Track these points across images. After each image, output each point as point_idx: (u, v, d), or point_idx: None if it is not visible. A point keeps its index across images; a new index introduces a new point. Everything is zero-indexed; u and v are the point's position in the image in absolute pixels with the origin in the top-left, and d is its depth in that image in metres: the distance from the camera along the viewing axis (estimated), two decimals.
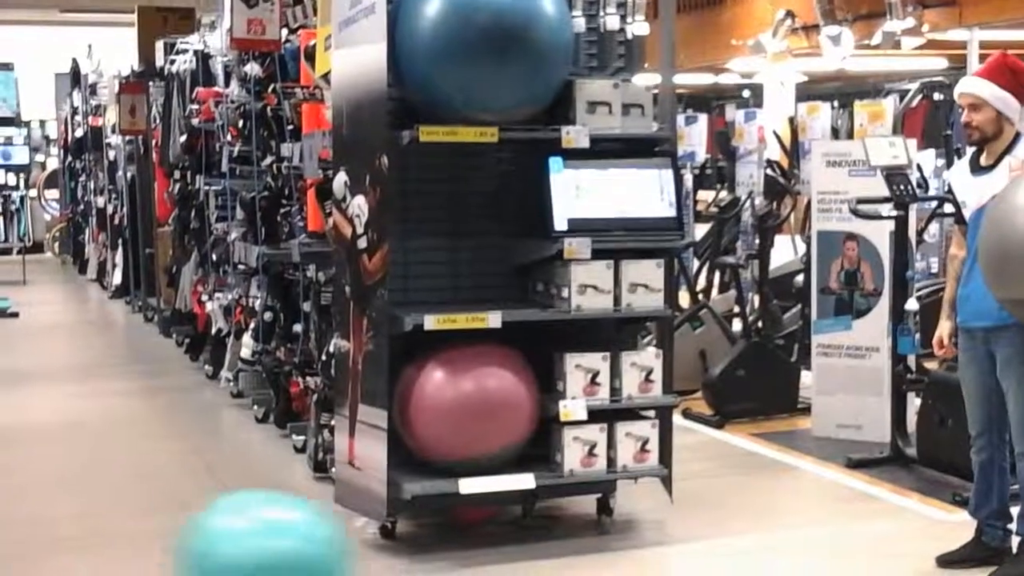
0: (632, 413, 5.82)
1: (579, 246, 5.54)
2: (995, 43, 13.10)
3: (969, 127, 5.15)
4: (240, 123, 8.59)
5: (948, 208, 7.74)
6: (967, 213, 5.23)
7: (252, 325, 8.40)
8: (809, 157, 9.25)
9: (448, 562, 5.52)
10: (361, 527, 5.81)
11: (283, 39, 8.02)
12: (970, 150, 5.32)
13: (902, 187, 7.00)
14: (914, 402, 7.11)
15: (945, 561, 5.29)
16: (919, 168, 8.62)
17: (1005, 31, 12.45)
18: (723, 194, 10.98)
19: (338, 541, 2.80)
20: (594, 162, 5.70)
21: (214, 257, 9.73)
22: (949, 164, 8.69)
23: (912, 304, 6.95)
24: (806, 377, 8.39)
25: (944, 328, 5.38)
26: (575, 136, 5.62)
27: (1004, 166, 5.08)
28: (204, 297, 10.06)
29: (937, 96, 17.12)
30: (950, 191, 5.48)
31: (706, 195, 11.73)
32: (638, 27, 6.02)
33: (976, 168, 5.22)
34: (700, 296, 9.95)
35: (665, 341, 6.07)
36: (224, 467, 7.36)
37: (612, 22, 5.92)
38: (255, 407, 8.44)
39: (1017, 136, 5.15)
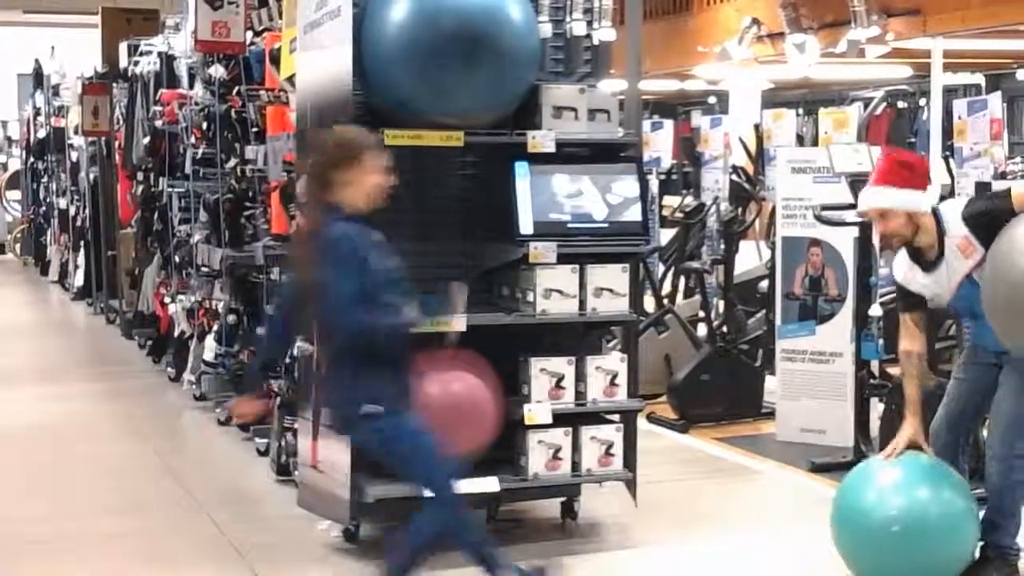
0: (597, 417, 5.82)
1: (544, 250, 5.54)
2: (958, 52, 13.22)
3: (886, 237, 5.04)
4: (204, 125, 8.56)
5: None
6: (940, 302, 5.13)
7: (215, 327, 8.37)
8: (774, 163, 9.30)
9: None
10: (324, 530, 5.80)
11: (248, 41, 8.01)
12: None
13: None
14: (877, 407, 7.14)
15: None
16: None
17: (968, 40, 12.55)
18: (689, 200, 11.03)
19: None
20: (560, 167, 5.70)
21: (177, 259, 9.68)
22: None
23: (875, 310, 6.98)
24: (770, 382, 8.42)
25: (905, 433, 5.13)
26: (541, 141, 5.62)
27: (950, 252, 4.97)
28: (167, 299, 10.02)
29: (901, 104, 17.30)
30: (898, 285, 5.26)
31: (672, 200, 11.77)
32: (604, 33, 6.03)
33: (923, 266, 5.08)
34: (665, 301, 9.96)
35: (630, 346, 6.07)
36: (186, 470, 7.31)
37: (578, 27, 5.93)
38: (218, 410, 8.40)
39: (936, 217, 4.99)
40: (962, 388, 5.27)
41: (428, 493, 4.56)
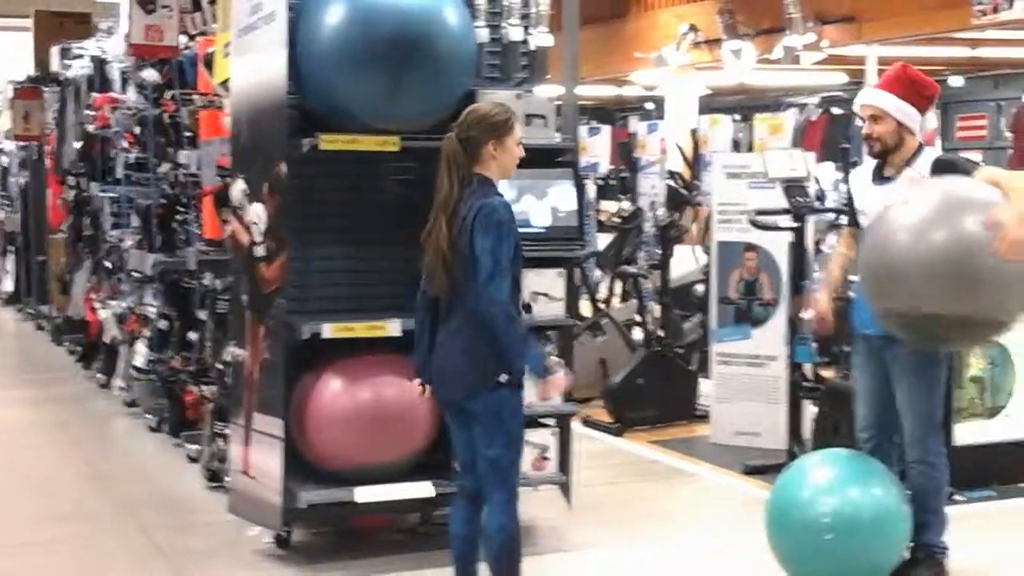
0: (532, 421, 5.80)
1: None
2: (893, 58, 13.33)
3: (870, 139, 5.16)
4: (137, 130, 8.51)
5: (845, 220, 7.88)
6: (865, 221, 5.26)
7: (146, 333, 8.30)
8: (710, 169, 9.36)
9: (344, 571, 5.48)
10: (256, 536, 5.75)
11: (182, 45, 7.94)
12: (870, 160, 5.36)
13: (800, 199, 7.09)
14: (810, 409, 7.20)
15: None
16: (817, 180, 8.75)
17: (903, 47, 12.69)
18: (625, 204, 11.07)
19: None
20: None
21: (108, 264, 9.61)
22: (847, 177, 8.83)
23: (809, 314, 7.02)
24: (705, 385, 8.47)
25: (822, 299, 5.47)
26: None
27: (905, 178, 5.13)
28: (97, 305, 9.91)
29: (836, 110, 17.45)
30: (849, 196, 5.51)
31: (609, 205, 11.81)
32: (541, 38, 6.04)
33: (878, 178, 5.25)
34: (602, 305, 9.99)
35: (566, 350, 6.08)
36: (117, 476, 7.23)
37: (515, 33, 5.93)
38: (148, 416, 8.34)
39: (919, 149, 5.18)
40: (870, 384, 5.30)
41: (496, 482, 4.48)
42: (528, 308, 5.32)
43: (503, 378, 4.39)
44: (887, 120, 5.10)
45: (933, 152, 5.29)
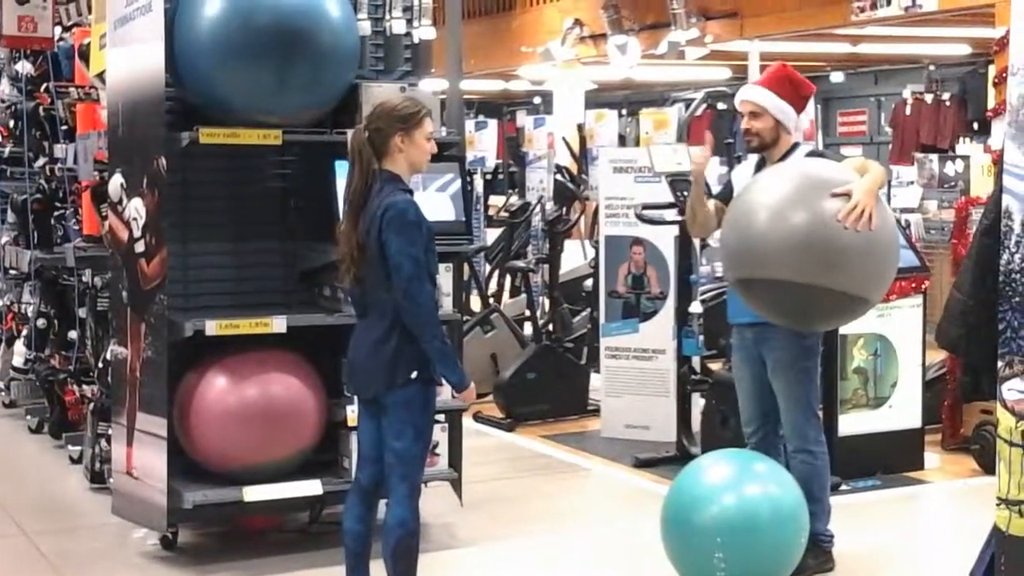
0: None
1: None
2: (775, 54, 13.55)
3: (749, 134, 5.27)
4: (11, 123, 8.35)
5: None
6: None
7: (24, 332, 8.15)
8: (597, 163, 9.40)
9: (233, 572, 5.40)
10: (141, 538, 5.65)
11: (56, 37, 7.81)
12: (753, 156, 5.44)
13: (685, 193, 7.11)
14: (699, 402, 7.25)
15: None
16: None
17: (784, 43, 12.89)
18: (514, 199, 11.09)
19: None
20: None
21: None
22: (731, 171, 8.92)
23: (696, 307, 7.08)
24: (595, 379, 8.49)
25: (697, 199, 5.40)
26: None
27: None
28: None
29: (720, 105, 17.67)
30: (729, 189, 5.55)
31: (497, 200, 11.82)
32: (424, 31, 6.00)
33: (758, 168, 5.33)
34: (491, 300, 9.98)
35: (455, 345, 6.04)
36: None
37: (398, 26, 5.89)
38: (28, 417, 8.17)
39: (795, 146, 5.29)
40: (750, 378, 5.37)
41: (400, 475, 4.47)
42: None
43: (413, 375, 4.40)
44: (766, 116, 5.21)
45: (807, 147, 5.43)
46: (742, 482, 4.96)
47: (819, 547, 5.27)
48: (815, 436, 5.28)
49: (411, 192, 4.50)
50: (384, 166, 4.47)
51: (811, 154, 5.28)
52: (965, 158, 12.50)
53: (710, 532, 4.81)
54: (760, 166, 5.34)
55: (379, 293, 4.43)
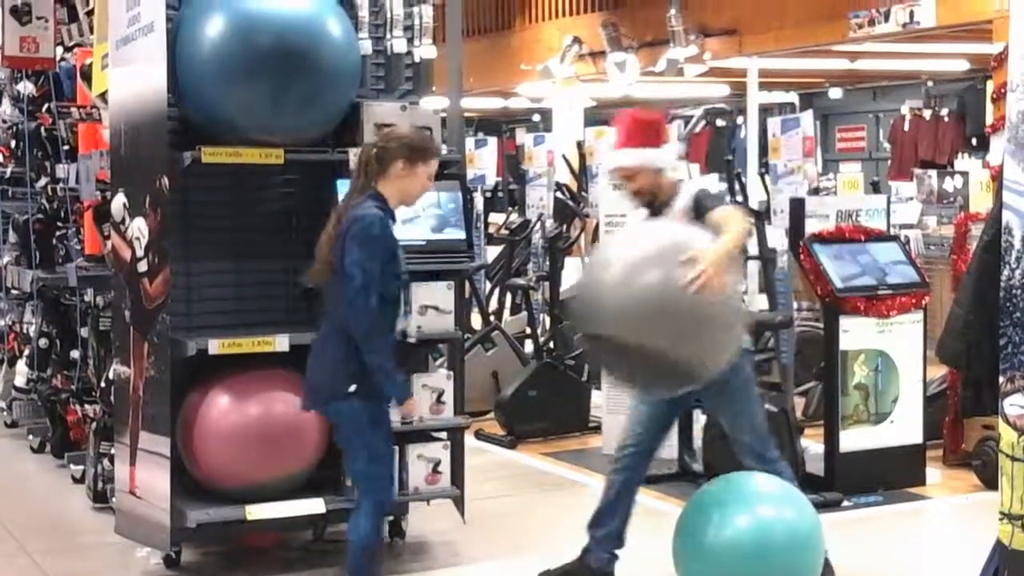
0: (424, 435, 5.78)
1: None
2: (773, 71, 13.61)
3: (637, 195, 5.18)
4: (13, 143, 8.38)
5: None
6: None
7: (27, 352, 8.15)
8: (597, 180, 9.40)
9: None
10: (144, 557, 5.65)
11: (58, 57, 7.83)
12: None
13: None
14: (700, 419, 7.25)
15: None
16: None
17: (782, 59, 12.92)
18: (514, 216, 11.07)
19: None
20: None
21: None
22: (731, 188, 8.92)
23: None
24: (596, 396, 8.49)
25: None
26: None
27: (672, 216, 5.11)
28: None
29: (719, 122, 17.71)
30: None
31: (497, 217, 11.81)
32: (425, 50, 6.02)
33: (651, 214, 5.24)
34: (492, 318, 9.98)
35: (456, 363, 6.05)
36: None
37: (399, 45, 5.90)
38: (30, 437, 8.15)
39: (677, 186, 5.19)
40: (653, 409, 5.32)
41: (364, 492, 4.58)
42: (404, 335, 5.29)
43: (353, 388, 4.46)
44: (643, 174, 5.13)
45: (691, 186, 5.29)
46: (756, 505, 4.91)
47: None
48: (771, 452, 5.29)
49: (387, 212, 4.56)
50: (378, 186, 4.56)
51: (696, 194, 5.12)
52: (964, 174, 12.53)
53: (725, 556, 4.77)
54: (652, 213, 5.23)
55: (335, 304, 4.54)
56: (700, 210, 5.06)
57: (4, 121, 8.56)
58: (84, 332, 7.18)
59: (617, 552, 5.40)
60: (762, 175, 9.35)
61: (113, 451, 6.02)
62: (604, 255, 4.86)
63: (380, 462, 4.58)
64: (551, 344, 8.78)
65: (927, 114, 16.38)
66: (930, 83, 16.54)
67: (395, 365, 4.56)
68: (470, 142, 11.65)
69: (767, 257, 7.41)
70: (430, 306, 5.68)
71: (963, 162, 14.84)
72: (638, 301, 4.53)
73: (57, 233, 7.61)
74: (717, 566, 4.82)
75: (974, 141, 15.72)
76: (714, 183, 12.03)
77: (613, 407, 7.94)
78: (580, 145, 11.18)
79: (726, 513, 4.87)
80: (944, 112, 16.27)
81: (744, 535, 4.79)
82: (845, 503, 6.56)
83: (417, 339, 5.73)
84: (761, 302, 8.22)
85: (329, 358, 4.55)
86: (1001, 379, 3.73)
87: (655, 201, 5.18)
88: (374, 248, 4.43)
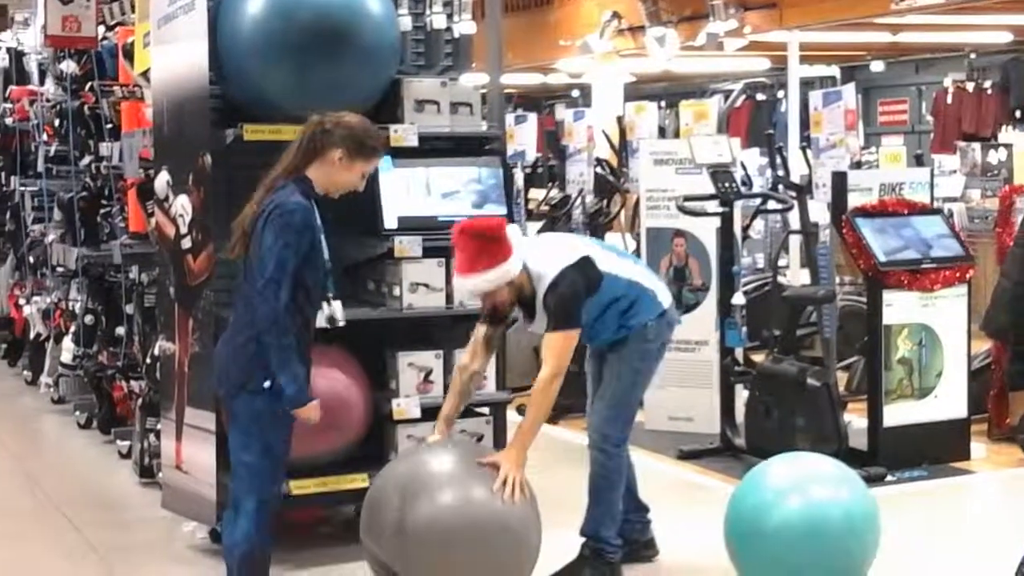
0: (466, 410, 5.78)
1: (410, 244, 5.50)
2: (814, 44, 13.49)
3: (498, 308, 4.92)
4: (56, 122, 8.43)
5: (772, 204, 7.94)
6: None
7: (72, 329, 8.20)
8: (637, 156, 9.37)
9: (280, 565, 5.38)
10: (190, 532, 5.69)
11: (100, 36, 7.87)
12: None
13: (727, 184, 7.13)
14: (742, 394, 7.24)
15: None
16: (743, 166, 8.81)
17: (823, 32, 12.82)
18: (554, 192, 11.06)
19: None
20: (423, 160, 5.67)
21: (31, 260, 9.48)
22: (772, 162, 8.87)
23: (739, 298, 7.08)
24: None
25: (440, 428, 4.99)
26: (403, 135, 5.58)
27: (539, 311, 4.94)
28: (22, 301, 9.78)
29: (760, 96, 17.59)
30: None
31: (537, 193, 11.80)
32: (465, 26, 6.01)
33: (528, 312, 5.02)
34: None
35: (501, 339, 6.05)
36: (47, 475, 7.13)
37: (438, 21, 5.90)
38: (77, 413, 8.23)
39: (527, 271, 4.85)
40: (595, 375, 5.34)
41: (247, 488, 4.34)
42: (332, 321, 4.80)
43: (267, 383, 4.23)
44: (499, 290, 4.81)
45: (546, 280, 4.88)
46: (810, 487, 4.73)
47: (601, 557, 5.18)
48: (617, 437, 5.19)
49: (311, 200, 4.32)
50: (308, 168, 4.34)
51: (550, 287, 4.83)
52: (1008, 146, 12.42)
53: (778, 539, 4.62)
54: (523, 307, 5.00)
55: (248, 284, 4.31)
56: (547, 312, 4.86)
57: (48, 100, 8.61)
58: (129, 309, 7.23)
59: (648, 516, 5.42)
60: (804, 149, 9.28)
61: (159, 426, 6.08)
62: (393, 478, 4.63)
63: (273, 458, 4.33)
64: None
65: (970, 87, 16.22)
66: (973, 55, 16.36)
67: (301, 365, 4.27)
68: (510, 119, 11.64)
69: (809, 231, 7.38)
70: None
71: (1007, 134, 14.69)
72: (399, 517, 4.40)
73: (101, 211, 7.65)
74: (771, 550, 4.67)
75: (1018, 113, 15.58)
76: (754, 157, 12.01)
77: (655, 381, 7.93)
78: (620, 120, 11.12)
79: (780, 496, 4.71)
80: (987, 84, 16.11)
81: (799, 517, 4.62)
82: (889, 478, 6.54)
83: (458, 315, 5.74)
84: (803, 277, 8.20)
85: (242, 345, 4.28)
86: None
87: (523, 301, 4.93)
88: (291, 238, 4.16)
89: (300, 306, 4.27)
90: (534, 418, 4.81)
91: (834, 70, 17.94)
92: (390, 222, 5.52)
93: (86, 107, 7.84)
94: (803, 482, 4.77)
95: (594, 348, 5.34)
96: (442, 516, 4.43)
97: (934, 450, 6.82)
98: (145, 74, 6.28)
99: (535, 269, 4.87)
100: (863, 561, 4.71)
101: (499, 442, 5.86)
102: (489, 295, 4.84)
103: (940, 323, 6.84)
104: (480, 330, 5.02)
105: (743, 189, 7.63)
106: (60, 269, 8.52)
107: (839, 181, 7.02)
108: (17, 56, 9.86)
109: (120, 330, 7.45)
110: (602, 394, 5.22)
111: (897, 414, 6.75)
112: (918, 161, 8.00)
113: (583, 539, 5.24)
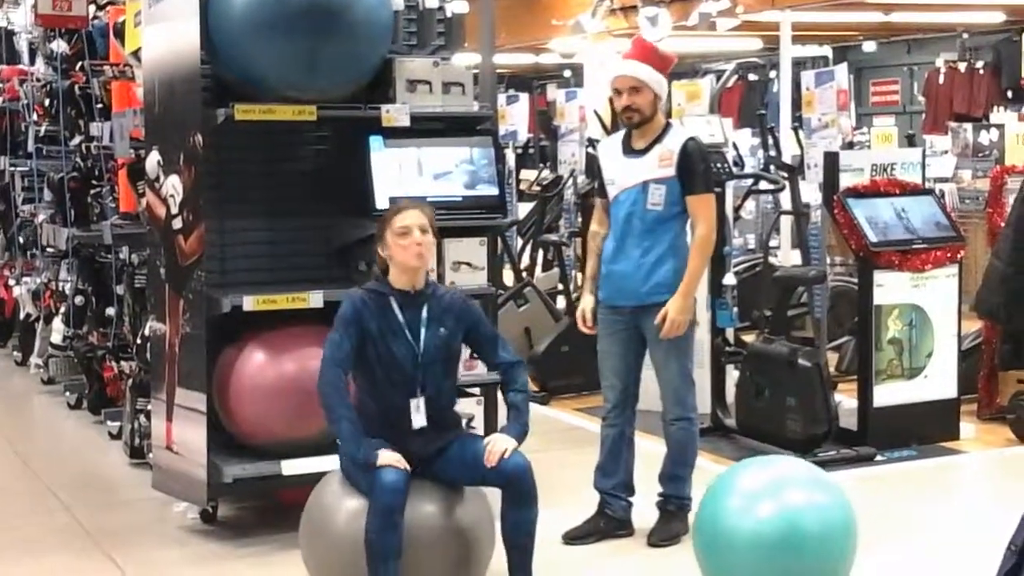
0: (458, 391, 5.79)
1: None
2: (807, 24, 13.48)
3: (629, 110, 5.19)
4: (47, 102, 8.40)
5: (764, 185, 7.94)
6: (613, 191, 5.32)
7: (63, 309, 8.21)
8: None
9: (272, 544, 5.44)
10: (181, 512, 5.70)
11: (91, 15, 7.83)
12: (618, 133, 5.44)
13: (719, 165, 7.12)
14: (732, 374, 7.25)
15: (571, 537, 5.46)
16: (735, 146, 8.80)
17: (816, 12, 12.80)
18: (546, 173, 11.07)
19: None
20: (415, 140, 5.66)
21: (21, 240, 9.48)
22: (763, 143, 8.87)
23: (730, 279, 7.08)
24: None
25: (587, 303, 5.45)
26: (395, 114, 5.57)
27: (656, 154, 5.20)
28: (11, 281, 9.78)
29: (752, 76, 17.57)
30: (597, 166, 5.54)
31: (529, 174, 11.81)
32: (457, 5, 6.02)
33: (628, 151, 5.30)
34: (524, 274, 9.99)
35: (489, 319, 6.06)
36: (37, 456, 7.13)
37: (431, 0, 5.88)
38: (67, 393, 8.22)
39: (668, 126, 5.28)
40: (615, 355, 5.44)
41: None
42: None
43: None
44: (646, 91, 5.15)
45: (683, 132, 5.35)
46: (783, 491, 4.48)
47: (684, 511, 5.39)
48: (693, 403, 5.42)
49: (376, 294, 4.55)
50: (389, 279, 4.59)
51: (689, 144, 5.16)
52: (999, 127, 12.40)
53: (748, 549, 4.39)
54: (628, 141, 5.28)
55: None
56: (684, 172, 5.12)
57: (38, 80, 8.59)
58: (119, 289, 7.23)
59: (631, 500, 5.52)
60: (795, 129, 9.27)
61: (149, 407, 6.07)
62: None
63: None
64: None
65: (962, 67, 16.21)
66: (965, 35, 16.35)
67: (355, 439, 4.45)
68: (501, 98, 11.61)
69: (800, 212, 7.39)
70: (463, 262, 5.69)
71: (998, 115, 14.68)
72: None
73: (92, 191, 7.63)
74: (741, 560, 4.44)
75: (1009, 94, 15.57)
76: (746, 137, 12.00)
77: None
78: (611, 100, 11.13)
79: (750, 502, 4.47)
80: (979, 65, 16.10)
81: (767, 525, 4.38)
82: (878, 458, 6.56)
83: None
84: (795, 257, 8.21)
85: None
86: None
87: (641, 125, 5.19)
88: (338, 324, 4.51)
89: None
90: (698, 267, 5.20)
91: (826, 50, 17.93)
92: (381, 202, 5.51)
93: (76, 87, 7.81)
94: (774, 488, 4.51)
95: (617, 330, 5.38)
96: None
97: (924, 430, 6.85)
98: (136, 53, 6.26)
99: (675, 131, 5.26)
100: (841, 569, 4.48)
101: (490, 422, 5.87)
102: (636, 90, 5.14)
103: (931, 303, 6.86)
104: (599, 201, 5.45)
105: (735, 169, 7.62)
106: (50, 249, 8.50)
107: (831, 161, 7.02)
108: (7, 35, 9.84)
109: (110, 311, 7.44)
110: (666, 372, 5.35)
111: (887, 394, 6.77)
112: (910, 141, 7.98)
113: (663, 497, 5.43)
